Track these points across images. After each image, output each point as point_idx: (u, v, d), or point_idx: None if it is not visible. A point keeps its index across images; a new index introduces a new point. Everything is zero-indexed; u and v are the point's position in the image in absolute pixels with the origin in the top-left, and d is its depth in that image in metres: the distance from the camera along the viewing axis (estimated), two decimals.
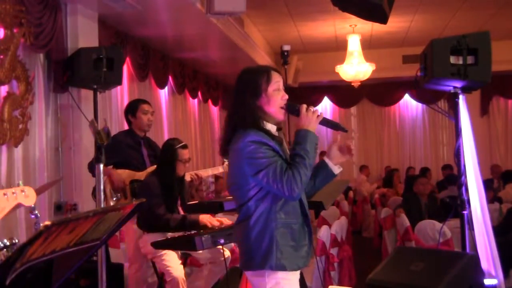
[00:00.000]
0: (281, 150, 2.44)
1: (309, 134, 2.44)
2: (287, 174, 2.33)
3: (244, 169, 2.39)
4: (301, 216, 2.48)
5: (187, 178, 4.43)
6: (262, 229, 2.40)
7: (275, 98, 2.46)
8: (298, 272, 2.50)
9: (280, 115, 2.51)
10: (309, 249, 2.50)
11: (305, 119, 2.46)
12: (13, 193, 1.83)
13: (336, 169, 2.63)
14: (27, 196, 1.87)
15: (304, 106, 2.49)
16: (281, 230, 2.40)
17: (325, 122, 2.53)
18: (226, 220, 4.10)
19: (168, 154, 4.16)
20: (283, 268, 2.39)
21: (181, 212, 4.29)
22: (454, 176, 7.13)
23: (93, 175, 4.23)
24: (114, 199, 4.38)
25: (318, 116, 2.47)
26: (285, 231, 2.41)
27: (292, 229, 2.43)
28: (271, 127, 2.50)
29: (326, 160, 2.61)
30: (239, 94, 2.49)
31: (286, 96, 2.50)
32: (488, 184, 6.77)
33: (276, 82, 2.48)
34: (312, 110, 2.47)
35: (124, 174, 4.43)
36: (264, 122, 2.47)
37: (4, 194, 1.81)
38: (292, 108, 2.51)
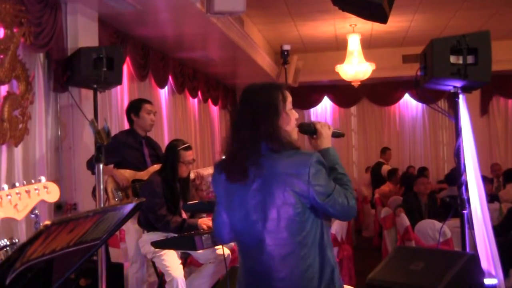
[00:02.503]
0: None
1: (334, 151, 2.32)
2: (347, 194, 2.17)
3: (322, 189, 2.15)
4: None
5: (192, 176, 4.42)
6: (319, 257, 2.15)
7: (292, 117, 2.29)
8: None
9: (295, 134, 2.30)
10: None
11: (327, 137, 2.35)
12: (35, 189, 1.82)
13: None
14: (50, 193, 1.86)
15: (319, 123, 2.38)
16: (334, 257, 2.22)
17: (334, 133, 2.46)
18: None
19: (170, 155, 4.16)
20: None
21: (184, 215, 4.29)
22: (454, 176, 7.14)
23: (92, 173, 4.24)
24: (116, 199, 4.38)
25: (329, 128, 2.39)
26: (334, 258, 2.24)
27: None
28: None
29: None
30: (255, 116, 2.18)
31: (297, 115, 2.33)
32: (486, 179, 6.77)
33: (290, 102, 2.31)
34: (325, 125, 2.39)
35: (125, 174, 4.44)
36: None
37: (27, 192, 1.79)
38: (307, 128, 2.39)
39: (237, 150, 2.18)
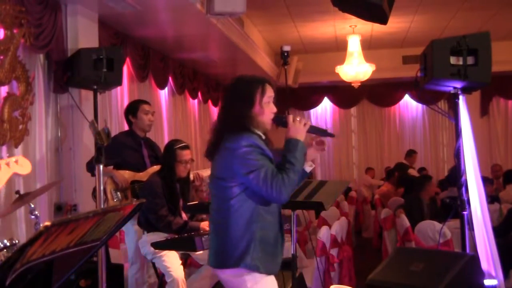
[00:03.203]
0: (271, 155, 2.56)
1: (299, 143, 2.56)
2: (277, 178, 2.45)
3: (235, 167, 2.50)
4: (279, 223, 2.61)
5: (191, 177, 4.41)
6: (243, 229, 2.50)
7: (267, 110, 2.61)
8: (273, 278, 2.58)
9: (268, 125, 2.66)
10: (280, 259, 2.62)
11: (294, 129, 2.60)
12: (6, 163, 1.83)
13: (308, 168, 2.73)
14: (21, 165, 1.87)
15: (291, 116, 2.63)
16: (261, 232, 2.52)
17: (313, 129, 2.67)
18: None
19: (167, 155, 4.15)
20: (257, 269, 2.49)
21: (184, 215, 4.28)
22: (454, 177, 7.13)
23: (92, 174, 4.24)
24: (115, 200, 4.38)
25: (305, 124, 2.61)
26: (264, 234, 2.52)
27: (270, 235, 2.55)
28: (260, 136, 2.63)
29: None
30: (233, 101, 2.62)
31: (275, 109, 2.64)
32: (487, 180, 6.76)
33: (269, 96, 2.62)
34: (299, 120, 2.61)
35: (125, 175, 4.43)
36: (254, 129, 2.59)
37: None
38: (280, 120, 2.66)
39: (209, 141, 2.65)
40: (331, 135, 2.74)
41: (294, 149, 2.54)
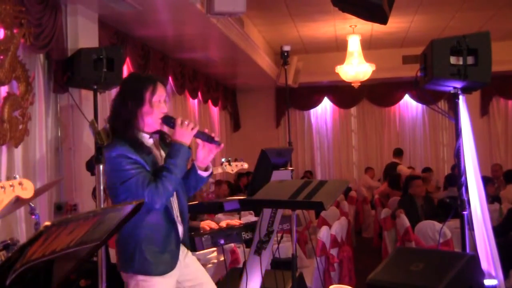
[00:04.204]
0: (149, 160, 2.58)
1: (182, 148, 2.58)
2: (150, 186, 2.48)
3: (110, 177, 2.58)
4: (167, 223, 2.61)
5: None
6: (128, 234, 2.56)
7: (156, 110, 2.60)
8: (168, 276, 2.60)
9: (157, 125, 2.65)
10: (175, 255, 2.64)
11: (180, 132, 2.59)
12: (10, 185, 1.83)
13: (204, 174, 2.76)
14: (25, 189, 1.87)
15: (180, 119, 2.61)
16: (146, 236, 2.56)
17: (199, 134, 2.66)
18: (235, 221, 4.10)
19: None
20: (146, 273, 2.54)
21: None
22: (454, 177, 7.13)
23: (92, 174, 4.24)
24: None
25: (192, 129, 2.61)
26: (150, 237, 2.56)
27: (157, 236, 2.58)
28: (144, 136, 2.64)
29: (196, 164, 2.75)
30: (122, 99, 2.62)
31: (166, 109, 2.65)
32: (488, 180, 6.76)
33: (160, 95, 2.62)
34: (186, 123, 2.61)
35: None
36: (138, 130, 2.61)
37: (1, 187, 1.80)
38: (168, 121, 2.64)
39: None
40: (218, 143, 2.71)
41: (175, 155, 2.55)
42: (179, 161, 2.55)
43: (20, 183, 1.84)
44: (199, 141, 2.72)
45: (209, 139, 2.70)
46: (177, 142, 2.58)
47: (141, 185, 2.47)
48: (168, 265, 2.60)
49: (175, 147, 2.58)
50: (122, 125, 2.58)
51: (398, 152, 10.46)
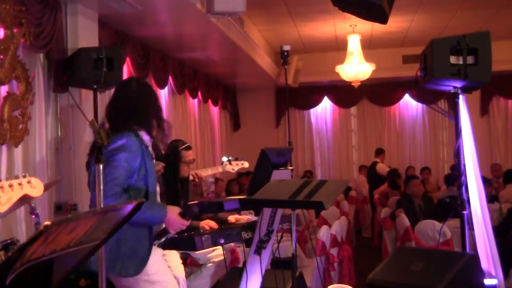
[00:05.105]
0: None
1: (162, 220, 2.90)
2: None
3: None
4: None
5: (190, 177, 4.42)
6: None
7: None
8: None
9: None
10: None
11: (173, 225, 3.00)
12: (19, 184, 1.83)
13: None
14: (34, 187, 1.86)
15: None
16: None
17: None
18: (244, 216, 4.12)
19: (171, 156, 4.16)
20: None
21: None
22: (453, 176, 7.13)
23: None
24: None
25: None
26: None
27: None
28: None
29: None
30: (144, 101, 2.97)
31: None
32: (486, 181, 6.76)
33: None
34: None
35: None
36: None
37: (10, 185, 1.80)
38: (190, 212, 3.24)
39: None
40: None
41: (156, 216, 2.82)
42: (151, 218, 2.80)
43: (28, 181, 1.84)
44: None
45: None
46: (166, 212, 2.87)
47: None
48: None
49: (162, 211, 2.88)
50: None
51: (378, 152, 10.63)
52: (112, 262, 2.70)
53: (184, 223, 2.89)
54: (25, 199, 2.83)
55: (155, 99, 3.02)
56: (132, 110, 2.89)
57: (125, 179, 2.70)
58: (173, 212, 2.86)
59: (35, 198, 2.95)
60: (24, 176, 1.88)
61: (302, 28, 8.93)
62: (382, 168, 9.90)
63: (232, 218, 4.09)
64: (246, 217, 4.16)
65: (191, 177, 4.45)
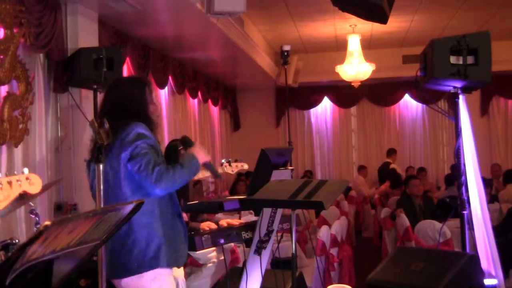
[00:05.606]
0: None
1: (191, 158, 2.81)
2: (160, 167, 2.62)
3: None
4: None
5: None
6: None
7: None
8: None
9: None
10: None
11: (198, 150, 2.94)
12: (17, 180, 1.82)
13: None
14: (32, 184, 1.85)
15: (198, 149, 2.95)
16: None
17: (209, 164, 3.00)
18: (236, 220, 4.10)
19: (172, 156, 4.15)
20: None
21: (184, 215, 4.28)
22: (453, 176, 7.13)
23: None
24: None
25: (205, 156, 2.96)
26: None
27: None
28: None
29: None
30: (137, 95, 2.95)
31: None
32: (486, 182, 6.76)
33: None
34: (204, 153, 2.94)
35: None
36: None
37: (9, 182, 1.79)
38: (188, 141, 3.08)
39: None
40: (221, 177, 3.31)
41: (188, 162, 2.77)
42: (191, 167, 2.75)
43: (27, 178, 1.83)
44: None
45: (214, 173, 3.09)
46: (191, 155, 2.81)
47: (153, 164, 2.63)
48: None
49: (188, 156, 2.80)
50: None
51: (390, 152, 10.54)
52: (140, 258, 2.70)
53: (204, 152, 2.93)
54: (24, 198, 2.83)
55: (144, 93, 3.00)
56: (128, 108, 2.91)
57: (157, 159, 2.73)
58: (193, 151, 2.89)
59: (35, 198, 2.95)
60: (23, 173, 1.87)
61: (302, 28, 8.93)
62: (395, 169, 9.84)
63: (223, 222, 4.07)
64: (238, 221, 4.14)
65: None
